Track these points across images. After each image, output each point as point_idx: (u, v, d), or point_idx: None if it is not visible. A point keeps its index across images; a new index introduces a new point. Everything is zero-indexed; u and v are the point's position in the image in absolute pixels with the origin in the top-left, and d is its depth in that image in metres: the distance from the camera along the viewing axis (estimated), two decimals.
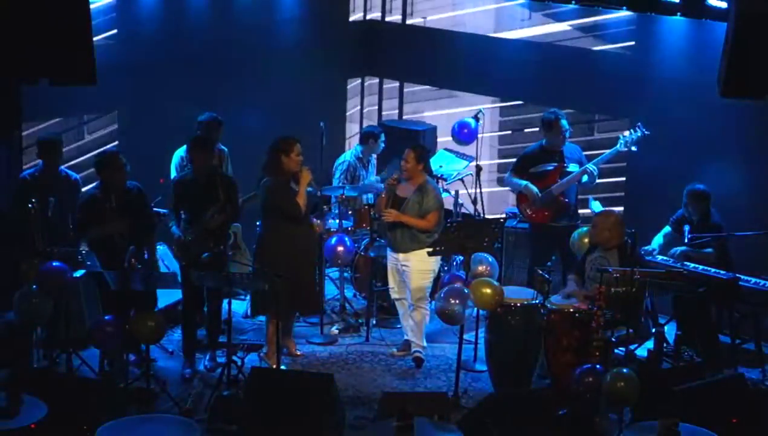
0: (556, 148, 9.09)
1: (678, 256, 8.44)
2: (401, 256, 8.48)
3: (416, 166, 8.45)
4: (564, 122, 9.02)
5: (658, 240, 8.78)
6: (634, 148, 8.95)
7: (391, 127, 11.07)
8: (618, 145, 8.97)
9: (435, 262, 8.52)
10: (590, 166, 9.00)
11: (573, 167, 9.07)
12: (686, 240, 8.41)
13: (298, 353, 8.69)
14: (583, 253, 8.37)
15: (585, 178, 9.02)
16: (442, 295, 8.02)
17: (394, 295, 8.74)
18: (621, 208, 9.72)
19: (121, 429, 6.33)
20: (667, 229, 8.80)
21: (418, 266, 8.43)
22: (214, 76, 10.24)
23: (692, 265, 8.30)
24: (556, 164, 9.08)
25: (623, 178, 9.95)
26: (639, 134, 8.89)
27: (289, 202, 8.13)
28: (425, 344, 8.65)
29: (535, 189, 9.09)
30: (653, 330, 7.67)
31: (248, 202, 9.12)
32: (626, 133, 8.95)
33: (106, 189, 8.00)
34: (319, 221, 8.80)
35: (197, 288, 8.09)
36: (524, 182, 9.16)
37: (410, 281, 8.47)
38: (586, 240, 8.49)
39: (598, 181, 9.11)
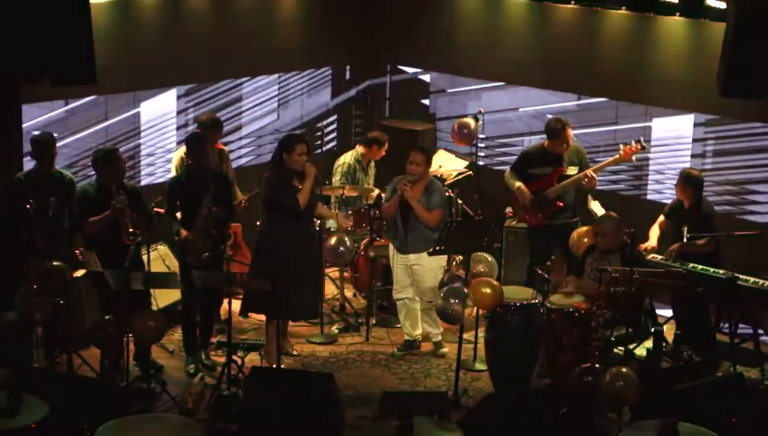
0: (557, 151, 9.10)
1: (675, 254, 8.44)
2: (413, 256, 8.49)
3: (426, 169, 8.49)
4: (570, 132, 9.03)
5: (654, 232, 8.80)
6: (633, 159, 8.98)
7: (391, 127, 11.06)
8: (617, 156, 9.00)
9: (444, 258, 8.60)
10: (590, 173, 9.01)
11: (572, 170, 9.08)
12: (685, 240, 8.41)
13: (295, 352, 8.70)
14: (582, 252, 8.37)
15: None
16: (441, 295, 8.02)
17: (397, 294, 8.74)
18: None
19: (121, 429, 6.32)
20: (662, 218, 8.82)
21: (431, 264, 8.45)
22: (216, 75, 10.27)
23: (691, 265, 8.30)
24: (554, 168, 9.09)
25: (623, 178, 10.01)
26: (639, 147, 8.91)
27: (288, 197, 8.13)
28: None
29: (527, 193, 9.11)
30: (653, 330, 7.68)
31: (250, 200, 9.13)
32: (627, 143, 8.97)
33: (102, 186, 8.00)
34: (341, 213, 8.82)
35: (197, 287, 8.11)
36: (518, 184, 9.18)
37: (423, 279, 8.51)
38: (586, 239, 8.50)
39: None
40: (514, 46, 10.58)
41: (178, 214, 8.28)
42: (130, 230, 7.77)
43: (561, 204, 9.11)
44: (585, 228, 8.81)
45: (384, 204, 8.74)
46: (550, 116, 9.54)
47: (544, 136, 9.18)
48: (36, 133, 8.60)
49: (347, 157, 10.20)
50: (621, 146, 9.01)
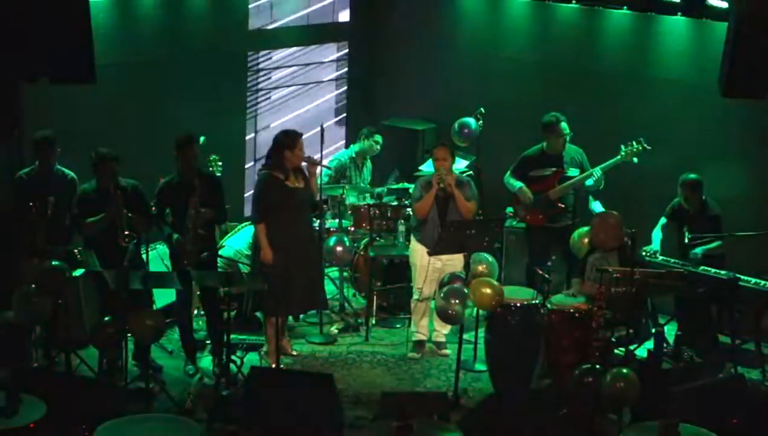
0: (556, 152, 9.08)
1: (697, 260, 8.43)
2: (445, 256, 8.44)
3: (452, 162, 8.54)
4: (564, 125, 9.01)
5: (657, 234, 8.79)
6: (635, 160, 8.95)
7: (392, 127, 11.04)
8: (619, 157, 8.97)
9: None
10: (597, 171, 8.98)
11: (573, 172, 9.06)
12: (686, 240, 8.40)
13: (294, 352, 8.69)
14: (583, 253, 8.36)
15: (590, 181, 9.02)
16: (442, 295, 8.01)
17: (418, 295, 8.65)
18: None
19: (120, 429, 6.32)
20: (664, 220, 8.81)
21: (460, 265, 8.39)
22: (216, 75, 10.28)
23: (691, 266, 8.30)
24: (554, 169, 9.07)
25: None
26: (640, 148, 8.89)
27: (266, 204, 8.13)
28: None
29: (529, 193, 9.09)
30: (653, 330, 7.67)
31: None
32: (628, 144, 8.95)
33: (100, 187, 7.99)
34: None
35: (192, 287, 8.10)
36: (519, 185, 9.16)
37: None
38: (586, 240, 8.49)
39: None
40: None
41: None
42: (126, 233, 7.76)
43: (562, 206, 9.10)
44: (586, 229, 8.79)
45: (416, 203, 8.65)
46: None
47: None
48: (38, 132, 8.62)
49: (340, 155, 10.24)
50: (622, 147, 9.00)
